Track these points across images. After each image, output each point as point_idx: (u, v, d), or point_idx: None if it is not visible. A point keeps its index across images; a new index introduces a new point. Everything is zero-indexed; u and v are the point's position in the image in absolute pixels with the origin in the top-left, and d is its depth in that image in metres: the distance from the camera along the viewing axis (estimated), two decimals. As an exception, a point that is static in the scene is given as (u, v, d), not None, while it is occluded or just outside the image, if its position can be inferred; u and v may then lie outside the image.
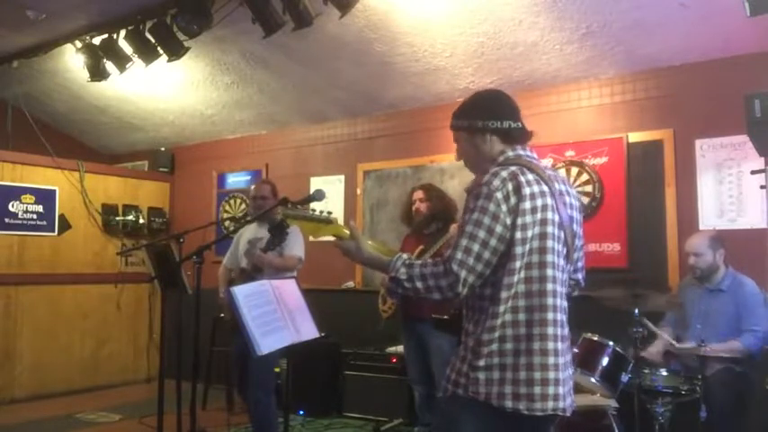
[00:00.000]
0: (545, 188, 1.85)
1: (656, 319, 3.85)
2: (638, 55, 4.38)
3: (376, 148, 5.80)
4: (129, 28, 4.70)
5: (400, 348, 4.74)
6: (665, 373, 3.34)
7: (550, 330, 1.79)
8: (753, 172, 3.84)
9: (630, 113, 4.60)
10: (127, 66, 4.96)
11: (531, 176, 1.85)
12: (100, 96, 6.24)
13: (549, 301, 1.80)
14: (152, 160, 7.37)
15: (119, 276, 6.69)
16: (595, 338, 3.51)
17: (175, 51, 4.61)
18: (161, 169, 7.28)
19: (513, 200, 1.79)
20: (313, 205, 2.63)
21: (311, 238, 3.88)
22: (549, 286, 1.80)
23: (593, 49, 4.36)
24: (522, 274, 1.79)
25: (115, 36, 4.85)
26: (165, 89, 5.93)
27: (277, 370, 4.21)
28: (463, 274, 1.75)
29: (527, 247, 1.79)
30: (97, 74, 5.17)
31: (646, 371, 3.34)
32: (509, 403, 1.75)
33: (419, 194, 4.15)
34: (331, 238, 2.05)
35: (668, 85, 4.46)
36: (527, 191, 1.80)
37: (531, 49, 4.45)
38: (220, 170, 6.92)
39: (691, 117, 4.34)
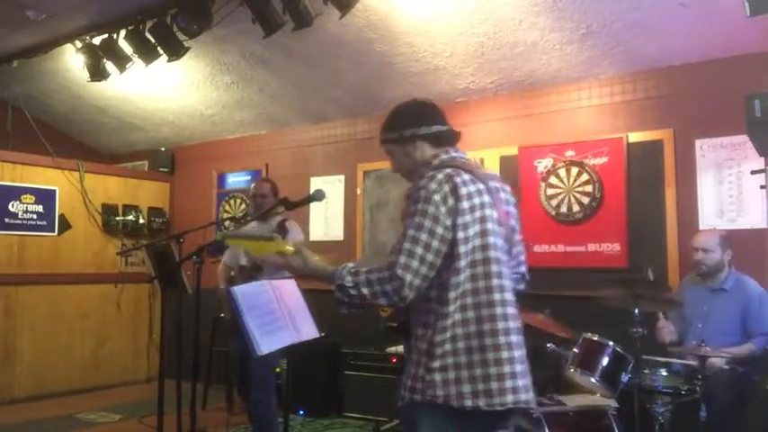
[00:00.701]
0: (481, 186, 1.90)
1: (656, 319, 3.86)
2: (638, 55, 4.38)
3: (376, 148, 5.71)
4: (129, 28, 4.70)
5: (400, 348, 4.74)
6: (665, 373, 3.35)
7: (500, 325, 1.82)
8: (753, 172, 3.84)
9: (630, 113, 4.60)
10: (127, 66, 4.96)
11: (466, 176, 1.89)
12: (100, 96, 6.24)
13: (496, 296, 1.83)
14: (152, 160, 7.37)
15: (119, 276, 6.69)
16: (595, 338, 3.51)
17: (175, 51, 4.61)
18: (161, 169, 7.28)
19: (450, 201, 1.83)
20: (314, 205, 2.64)
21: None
22: (495, 281, 1.84)
23: (593, 49, 4.36)
24: (468, 272, 1.83)
25: (115, 36, 4.85)
26: (165, 89, 5.93)
27: (277, 370, 4.22)
28: (408, 277, 1.77)
29: (469, 245, 1.83)
30: (97, 74, 5.17)
31: (646, 371, 3.34)
32: (469, 402, 1.77)
33: None
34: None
35: (668, 85, 4.46)
36: (464, 191, 1.85)
37: (531, 49, 4.45)
38: (220, 170, 6.92)
39: (691, 117, 4.34)
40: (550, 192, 4.81)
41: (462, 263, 1.82)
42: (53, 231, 6.25)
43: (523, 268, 2.14)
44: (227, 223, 6.59)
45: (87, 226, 6.55)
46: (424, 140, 2.03)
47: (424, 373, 1.83)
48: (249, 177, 6.65)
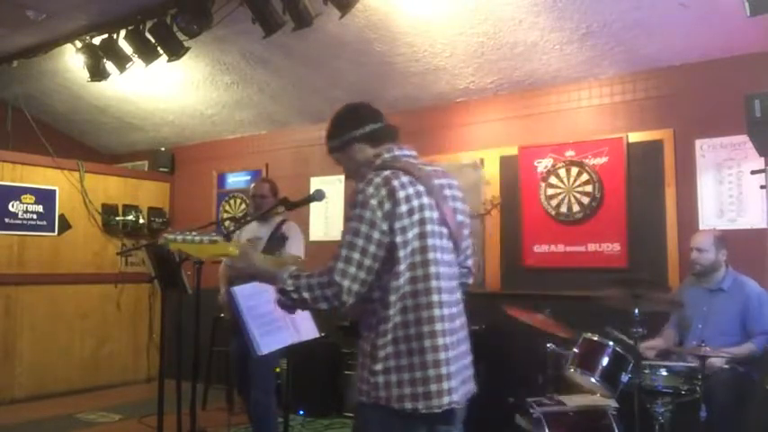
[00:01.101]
0: (420, 188, 1.90)
1: (656, 319, 3.86)
2: (638, 55, 4.38)
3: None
4: (129, 28, 4.70)
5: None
6: (665, 373, 3.34)
7: (438, 327, 1.84)
8: (753, 172, 3.84)
9: (630, 113, 4.60)
10: (127, 66, 4.96)
11: (405, 179, 1.89)
12: (100, 96, 6.24)
13: (435, 298, 1.85)
14: (152, 160, 7.37)
15: (119, 276, 6.69)
16: (595, 338, 3.51)
17: (175, 51, 4.61)
18: (161, 169, 7.28)
19: (387, 205, 1.83)
20: (313, 205, 2.65)
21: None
22: (434, 284, 1.86)
23: (593, 49, 4.36)
24: (408, 275, 1.85)
25: (115, 36, 4.85)
26: (165, 89, 5.93)
27: (277, 370, 4.22)
28: (346, 283, 1.79)
29: (408, 248, 1.84)
30: (97, 74, 5.17)
31: (646, 371, 3.34)
32: (408, 405, 1.81)
33: None
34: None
35: (668, 85, 4.46)
36: (401, 194, 1.85)
37: (531, 49, 4.45)
38: (220, 170, 6.92)
39: (691, 117, 4.34)
40: (550, 192, 4.81)
41: (402, 266, 1.83)
42: (53, 231, 6.25)
43: (470, 262, 2.15)
44: (227, 223, 6.59)
45: (87, 226, 6.55)
46: (361, 142, 2.04)
47: (368, 375, 1.86)
48: (249, 177, 6.65)
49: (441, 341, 1.83)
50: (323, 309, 1.86)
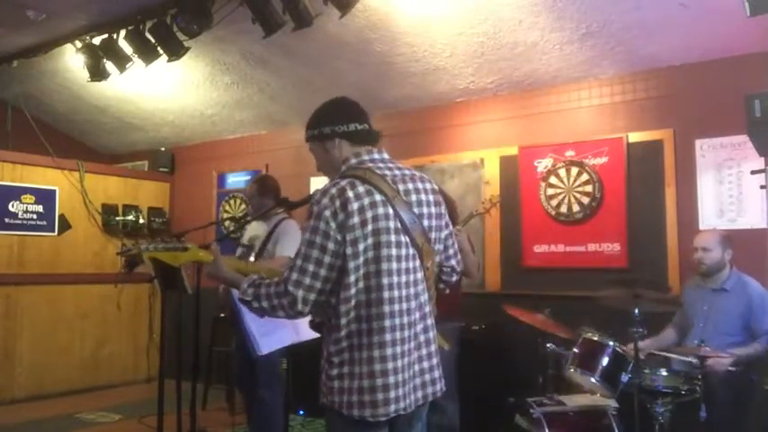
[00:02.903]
0: (377, 197, 1.90)
1: (656, 319, 3.86)
2: (638, 55, 4.38)
3: (376, 148, 5.78)
4: (129, 28, 4.70)
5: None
6: (665, 373, 3.34)
7: (388, 337, 1.86)
8: (753, 172, 3.84)
9: (630, 113, 4.60)
10: (127, 66, 4.96)
11: (361, 189, 1.90)
12: (100, 96, 6.24)
13: (386, 308, 1.87)
14: (152, 160, 7.37)
15: (119, 276, 6.69)
16: (595, 338, 3.51)
17: (175, 51, 4.61)
18: (161, 169, 7.28)
19: (341, 216, 1.86)
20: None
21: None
22: (386, 294, 1.87)
23: (593, 49, 4.36)
24: (361, 285, 1.87)
25: (115, 36, 4.85)
26: (165, 89, 5.93)
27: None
28: (300, 293, 1.84)
29: (360, 259, 1.86)
30: (97, 74, 5.17)
31: (646, 371, 3.34)
32: (356, 412, 1.84)
33: None
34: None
35: (668, 85, 4.46)
36: (354, 206, 1.86)
37: (531, 49, 4.45)
38: (220, 170, 6.92)
39: (691, 117, 4.34)
40: (550, 192, 4.81)
41: (352, 277, 1.86)
42: (53, 231, 6.25)
43: (453, 261, 2.18)
44: (227, 223, 6.60)
45: (87, 226, 6.55)
46: (342, 138, 2.05)
47: (326, 378, 1.92)
48: (249, 177, 6.65)
49: (389, 351, 1.86)
50: (281, 317, 1.91)
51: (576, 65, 4.58)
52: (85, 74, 5.24)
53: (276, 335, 2.68)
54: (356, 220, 1.86)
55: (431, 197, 2.06)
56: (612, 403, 3.44)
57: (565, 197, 4.74)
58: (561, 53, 4.45)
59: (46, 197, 6.19)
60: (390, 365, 1.85)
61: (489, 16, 4.17)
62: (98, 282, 6.54)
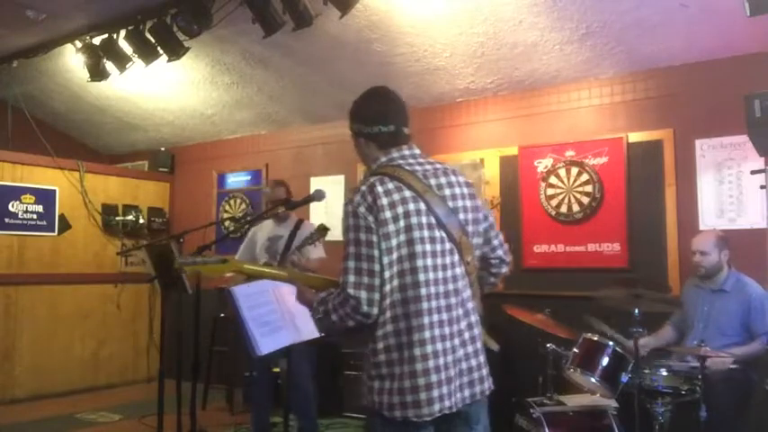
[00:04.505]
0: (407, 194, 1.88)
1: (656, 319, 3.86)
2: (638, 55, 4.38)
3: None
4: (129, 28, 4.70)
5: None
6: (665, 373, 3.34)
7: (427, 334, 1.82)
8: (753, 172, 3.84)
9: (630, 113, 4.60)
10: (127, 66, 4.96)
11: (391, 185, 1.88)
12: (100, 96, 6.24)
13: (425, 305, 1.83)
14: (152, 160, 7.37)
15: (119, 276, 6.69)
16: (595, 338, 3.51)
17: (175, 51, 4.61)
18: (161, 169, 7.28)
19: (374, 211, 1.83)
20: (313, 205, 2.65)
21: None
22: (423, 290, 1.83)
23: (593, 49, 4.36)
24: (396, 283, 1.83)
25: (115, 36, 4.86)
26: (165, 89, 5.93)
27: (276, 370, 4.21)
28: (363, 295, 1.79)
29: (394, 255, 1.83)
30: (97, 74, 5.17)
31: (646, 371, 3.33)
32: (398, 413, 1.81)
33: None
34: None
35: (668, 85, 4.46)
36: (384, 201, 1.84)
37: (531, 49, 4.45)
38: (220, 170, 6.92)
39: (691, 117, 4.34)
40: (550, 192, 4.81)
41: (387, 273, 1.82)
42: (53, 231, 6.25)
43: (500, 251, 2.10)
44: (227, 223, 6.60)
45: (87, 226, 6.55)
46: (368, 139, 2.02)
47: (367, 379, 1.89)
48: (249, 177, 6.66)
49: (430, 348, 1.81)
50: (352, 326, 1.85)
51: (576, 65, 4.58)
52: (85, 74, 5.25)
53: (276, 335, 2.68)
54: (388, 215, 1.83)
55: (465, 190, 2.01)
56: (612, 403, 3.44)
57: (565, 197, 4.74)
58: (561, 53, 4.45)
59: (46, 197, 6.19)
60: (432, 364, 1.81)
61: (489, 16, 4.17)
62: (98, 282, 6.54)
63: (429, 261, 1.86)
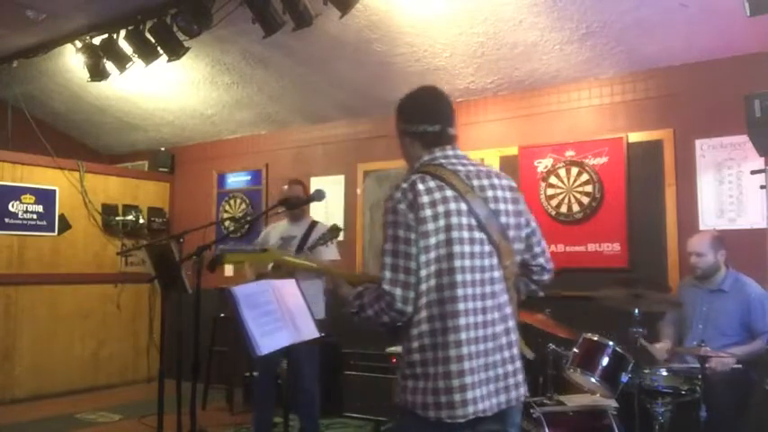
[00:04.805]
0: (449, 193, 1.85)
1: (656, 319, 3.86)
2: (638, 55, 4.38)
3: (376, 148, 5.79)
4: (129, 28, 4.70)
5: (400, 348, 4.73)
6: (665, 373, 3.34)
7: (463, 335, 1.80)
8: (753, 172, 3.84)
9: (630, 113, 4.60)
10: (127, 66, 4.96)
11: (432, 183, 1.86)
12: (100, 96, 6.24)
13: (461, 306, 1.80)
14: (152, 160, 7.37)
15: (119, 276, 6.69)
16: (595, 338, 3.51)
17: (175, 51, 4.61)
18: (161, 169, 7.28)
19: (414, 209, 1.82)
20: (313, 205, 2.66)
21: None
22: (460, 291, 1.81)
23: (593, 49, 4.36)
24: (433, 282, 1.81)
25: (115, 36, 4.86)
26: (165, 89, 5.93)
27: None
28: (398, 292, 1.78)
29: (432, 254, 1.81)
30: (97, 74, 5.17)
31: (646, 371, 3.33)
32: (431, 413, 1.78)
33: None
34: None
35: (668, 85, 4.46)
36: (425, 199, 1.82)
37: (531, 49, 4.45)
38: (220, 170, 6.92)
39: (691, 117, 4.34)
40: (550, 192, 4.81)
41: (424, 272, 1.80)
42: (53, 231, 6.25)
43: (542, 259, 2.06)
44: (227, 223, 6.60)
45: (87, 226, 6.55)
46: (413, 138, 2.01)
47: (401, 378, 1.87)
48: (249, 177, 6.66)
49: (465, 350, 1.79)
50: (386, 323, 1.84)
51: (575, 65, 4.58)
52: (85, 74, 5.25)
53: (276, 335, 2.68)
54: (428, 213, 1.81)
55: (508, 194, 1.97)
56: (612, 403, 3.44)
57: (565, 197, 4.74)
58: (561, 53, 4.45)
59: (46, 197, 6.19)
60: (467, 365, 1.79)
61: (489, 16, 4.17)
62: (98, 282, 6.55)
63: (467, 262, 1.83)
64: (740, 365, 3.35)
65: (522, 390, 1.94)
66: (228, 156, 6.88)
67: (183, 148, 7.28)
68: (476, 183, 1.92)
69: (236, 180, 6.79)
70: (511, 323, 1.92)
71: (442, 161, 1.95)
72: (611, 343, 3.44)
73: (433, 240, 1.81)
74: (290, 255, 3.66)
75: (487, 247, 1.88)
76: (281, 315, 2.74)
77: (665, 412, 3.31)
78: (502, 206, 1.94)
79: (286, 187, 4.36)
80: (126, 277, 6.72)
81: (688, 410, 3.24)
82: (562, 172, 4.77)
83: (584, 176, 4.67)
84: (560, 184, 4.77)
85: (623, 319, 3.43)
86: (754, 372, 3.47)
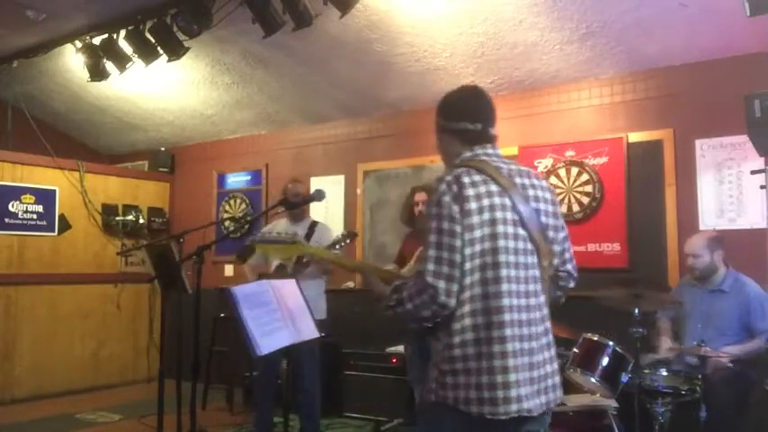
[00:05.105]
0: (493, 187, 1.84)
1: (656, 319, 3.86)
2: (638, 55, 4.38)
3: (376, 148, 5.80)
4: (129, 28, 4.70)
5: (400, 348, 4.74)
6: (665, 373, 3.34)
7: (508, 332, 1.77)
8: (753, 172, 3.84)
9: (630, 113, 4.60)
10: (127, 66, 4.96)
11: (477, 177, 1.84)
12: (100, 96, 6.24)
13: (506, 301, 1.78)
14: (152, 160, 7.37)
15: (119, 276, 6.69)
16: (595, 338, 3.51)
17: (175, 51, 4.61)
18: (161, 169, 7.28)
19: (459, 201, 1.80)
20: (313, 205, 2.67)
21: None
22: (505, 287, 1.79)
23: (593, 49, 4.36)
24: (477, 276, 1.78)
25: (115, 36, 4.86)
26: (165, 89, 5.93)
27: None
28: (441, 284, 1.75)
29: (476, 248, 1.78)
30: (97, 74, 5.17)
31: (646, 371, 3.34)
32: (474, 408, 1.75)
33: (422, 196, 4.12)
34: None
35: (668, 85, 4.46)
36: (470, 192, 1.80)
37: (531, 49, 4.45)
38: (220, 170, 6.92)
39: (691, 117, 4.34)
40: (550, 192, 4.80)
41: (468, 266, 1.77)
42: (53, 231, 6.25)
43: (569, 266, 2.05)
44: (227, 223, 6.60)
45: (87, 226, 6.55)
46: (452, 135, 2.00)
47: (438, 374, 1.82)
48: (249, 177, 6.66)
49: (510, 347, 1.76)
50: (427, 317, 1.80)
51: (575, 65, 4.58)
52: (85, 74, 5.25)
53: (276, 335, 2.68)
54: (473, 206, 1.79)
55: (548, 195, 1.97)
56: (612, 403, 3.44)
57: (565, 197, 4.74)
58: (561, 53, 4.45)
59: (46, 197, 6.19)
60: (511, 362, 1.76)
61: (489, 16, 4.17)
62: (98, 282, 6.54)
63: (512, 257, 1.81)
64: (731, 365, 3.35)
65: (560, 392, 1.92)
66: (228, 156, 6.88)
67: (183, 148, 7.28)
68: (518, 180, 1.91)
69: (236, 180, 6.79)
70: (548, 324, 1.91)
71: (485, 158, 1.94)
72: (611, 343, 3.44)
73: (477, 233, 1.79)
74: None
75: (529, 245, 1.86)
76: (280, 315, 2.75)
77: (665, 412, 3.31)
78: (542, 206, 1.94)
79: (291, 185, 4.36)
80: (126, 277, 6.72)
81: (688, 410, 3.24)
82: (562, 172, 4.77)
83: (584, 176, 4.67)
84: (560, 184, 4.77)
85: (623, 319, 3.43)
86: (753, 371, 3.47)
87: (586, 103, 4.78)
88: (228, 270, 6.55)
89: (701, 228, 4.20)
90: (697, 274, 3.70)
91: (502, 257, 1.80)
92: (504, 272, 1.79)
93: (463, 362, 1.78)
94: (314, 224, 4.21)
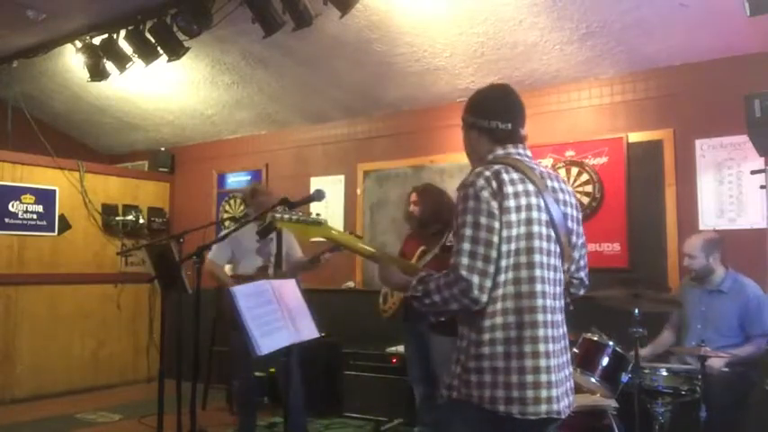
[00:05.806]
0: (530, 187, 1.83)
1: (656, 319, 3.86)
2: (638, 55, 4.38)
3: (376, 148, 5.80)
4: (129, 28, 4.70)
5: (400, 348, 4.73)
6: (665, 373, 3.34)
7: (541, 332, 1.76)
8: (753, 172, 3.84)
9: (630, 113, 4.60)
10: (127, 66, 4.96)
11: (515, 175, 1.83)
12: (100, 96, 6.24)
13: (539, 301, 1.77)
14: (152, 160, 7.37)
15: (119, 276, 6.69)
16: (595, 338, 3.51)
17: (175, 51, 4.61)
18: (161, 169, 7.28)
19: (498, 198, 1.77)
20: (313, 205, 2.66)
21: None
22: (539, 287, 1.77)
23: (593, 49, 4.36)
24: (510, 275, 1.76)
25: (115, 36, 4.86)
26: (165, 89, 5.93)
27: (272, 370, 4.23)
28: (475, 279, 1.71)
29: (512, 246, 1.76)
30: (97, 74, 5.17)
31: (646, 371, 3.34)
32: (501, 407, 1.72)
33: (413, 197, 4.12)
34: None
35: (668, 85, 4.46)
36: (509, 189, 1.78)
37: (531, 49, 4.45)
38: (220, 170, 6.92)
39: (691, 117, 4.34)
40: (550, 192, 4.80)
41: (503, 263, 1.75)
42: (53, 231, 6.25)
43: (583, 273, 2.04)
44: (227, 223, 6.59)
45: (87, 226, 6.55)
46: (482, 132, 1.99)
47: (462, 371, 1.79)
48: (249, 177, 6.66)
49: (542, 347, 1.75)
50: (455, 309, 1.77)
51: (575, 65, 4.58)
52: (85, 74, 5.25)
53: (276, 335, 2.68)
54: (512, 203, 1.77)
55: (574, 200, 1.97)
56: (612, 403, 3.44)
57: (565, 197, 4.74)
58: (561, 53, 4.45)
59: (46, 197, 6.19)
60: (543, 363, 1.74)
61: (489, 16, 4.17)
62: (98, 282, 6.54)
63: (544, 258, 1.80)
64: (728, 369, 3.35)
65: (573, 397, 1.90)
66: (228, 156, 6.88)
67: (183, 148, 7.28)
68: (549, 183, 1.91)
69: (236, 180, 6.79)
70: (565, 327, 1.90)
71: (517, 158, 1.93)
72: (611, 343, 3.44)
73: (514, 232, 1.77)
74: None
75: (557, 247, 1.86)
76: (280, 315, 2.74)
77: (665, 412, 3.31)
78: (569, 210, 1.94)
79: (263, 198, 4.36)
80: (126, 277, 6.72)
81: (688, 410, 3.24)
82: (562, 172, 4.77)
83: (585, 176, 4.67)
84: (560, 184, 4.77)
85: (623, 319, 3.43)
86: (753, 372, 3.47)
87: (586, 103, 4.78)
88: (228, 270, 6.54)
89: (701, 228, 4.19)
90: (693, 275, 3.71)
91: (536, 257, 1.79)
92: (538, 272, 1.78)
93: (490, 360, 1.75)
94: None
